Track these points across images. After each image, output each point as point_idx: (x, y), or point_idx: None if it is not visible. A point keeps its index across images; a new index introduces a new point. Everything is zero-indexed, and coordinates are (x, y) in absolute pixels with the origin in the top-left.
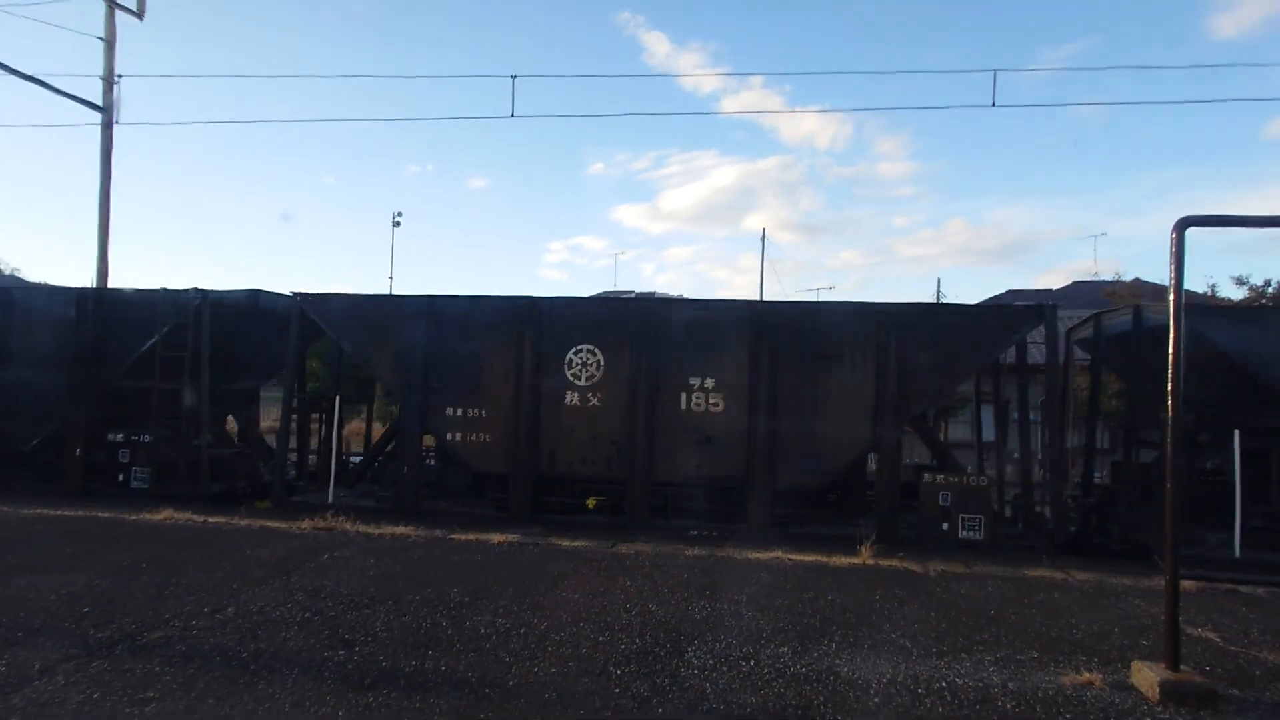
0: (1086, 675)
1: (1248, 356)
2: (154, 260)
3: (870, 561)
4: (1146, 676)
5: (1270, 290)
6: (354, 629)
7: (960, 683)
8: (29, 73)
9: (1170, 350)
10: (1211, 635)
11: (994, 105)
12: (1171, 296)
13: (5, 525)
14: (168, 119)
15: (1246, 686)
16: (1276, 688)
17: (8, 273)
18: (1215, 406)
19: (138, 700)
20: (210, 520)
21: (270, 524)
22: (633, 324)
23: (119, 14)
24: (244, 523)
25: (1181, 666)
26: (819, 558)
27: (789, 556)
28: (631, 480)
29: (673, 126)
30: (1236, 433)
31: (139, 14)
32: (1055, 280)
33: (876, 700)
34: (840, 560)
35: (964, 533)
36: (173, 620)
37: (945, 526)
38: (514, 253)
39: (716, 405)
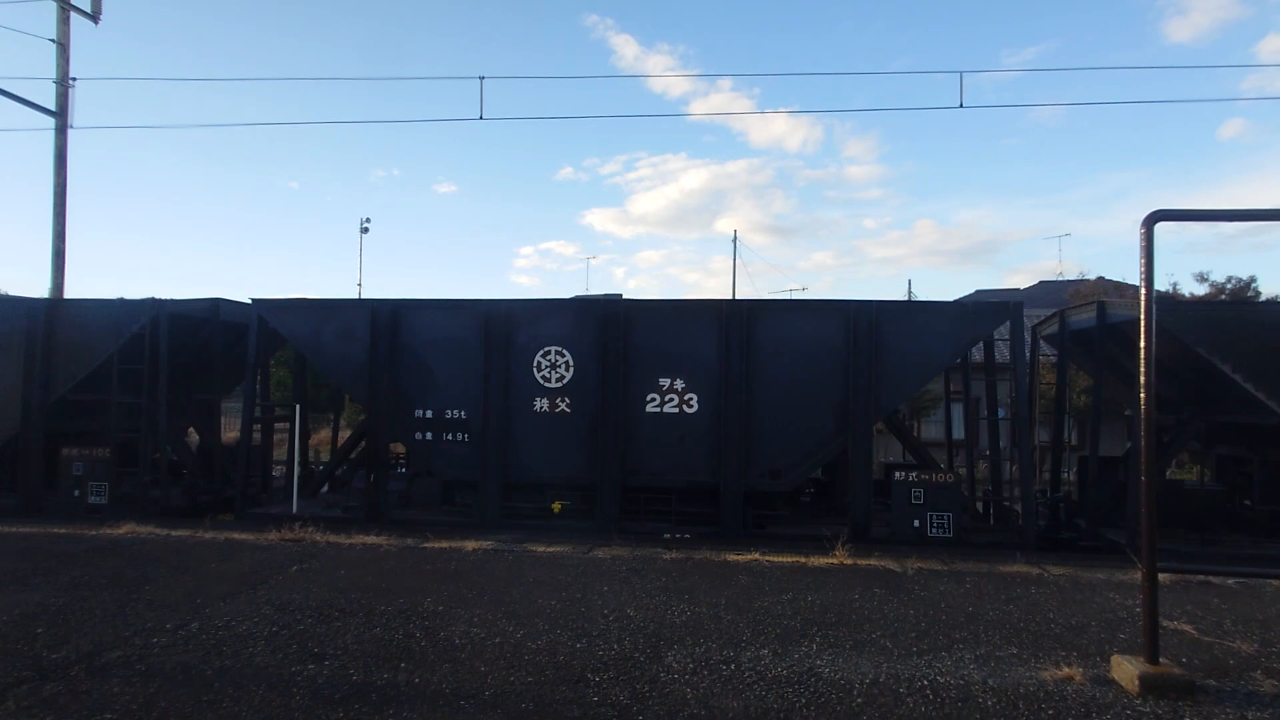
0: (1066, 670)
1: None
2: (114, 268)
3: (848, 561)
4: (1126, 670)
5: (1230, 286)
6: (324, 642)
7: (942, 681)
8: None
9: (1142, 344)
10: (1187, 627)
11: (961, 106)
12: (1143, 291)
13: None
14: (126, 123)
15: (1222, 676)
16: (1251, 677)
17: None
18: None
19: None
20: (174, 534)
21: (237, 536)
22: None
23: (73, 16)
24: (209, 535)
25: (1160, 659)
26: (797, 559)
27: (767, 558)
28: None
29: (642, 130)
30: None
31: (94, 17)
32: (1022, 280)
33: (859, 701)
34: (818, 561)
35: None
36: (133, 638)
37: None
38: (484, 258)
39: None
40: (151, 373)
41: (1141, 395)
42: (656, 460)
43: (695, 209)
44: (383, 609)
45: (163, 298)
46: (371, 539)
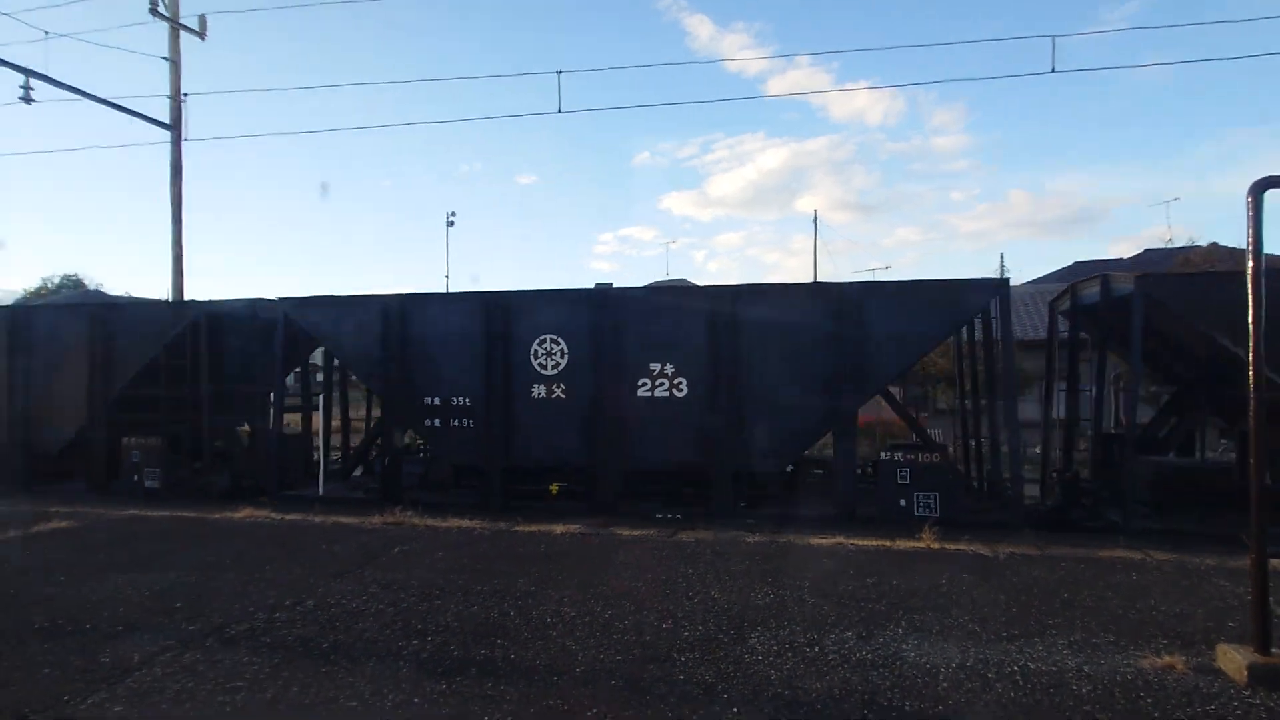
0: (1168, 658)
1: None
2: (227, 268)
3: (935, 545)
4: (1234, 660)
5: None
6: (426, 619)
7: (1033, 667)
8: (101, 96)
9: (1250, 317)
10: None
11: (1054, 71)
12: (1250, 263)
13: (97, 527)
14: (229, 133)
15: None
16: None
17: (91, 288)
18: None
19: (229, 689)
20: (287, 518)
21: (343, 520)
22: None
23: (183, 35)
24: (318, 520)
25: (1272, 649)
26: (882, 543)
27: (851, 542)
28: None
29: (719, 111)
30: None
31: (201, 34)
32: (1126, 249)
33: (945, 685)
34: (904, 545)
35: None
36: (258, 613)
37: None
38: (565, 246)
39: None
40: (193, 368)
41: (1250, 373)
42: (649, 443)
43: (774, 189)
44: (479, 589)
45: (202, 300)
46: (466, 522)
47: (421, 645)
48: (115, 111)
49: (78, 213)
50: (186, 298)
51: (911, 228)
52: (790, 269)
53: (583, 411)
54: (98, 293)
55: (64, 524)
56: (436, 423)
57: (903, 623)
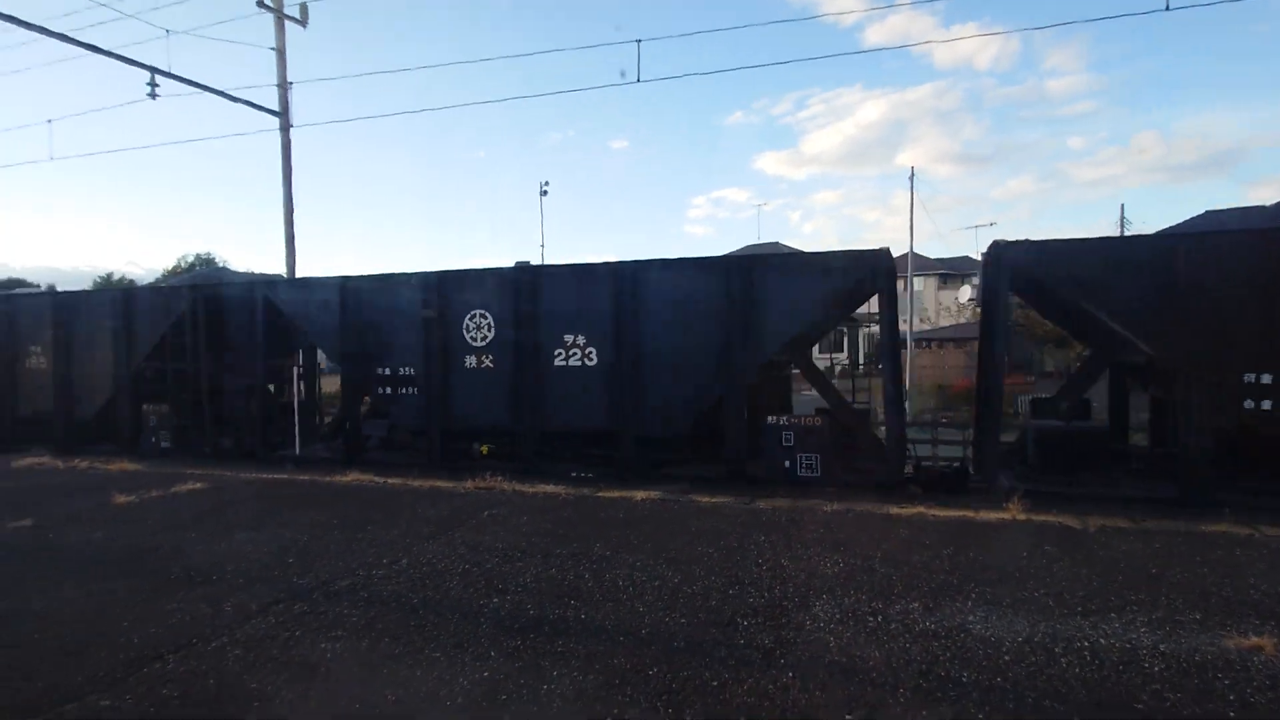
0: (1256, 639)
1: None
2: (334, 244)
3: (1021, 517)
4: None
5: None
6: (507, 579)
7: (1104, 643)
8: (211, 86)
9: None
10: None
11: (1168, 9)
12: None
13: (225, 489)
14: (327, 118)
15: None
16: None
17: (220, 265)
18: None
19: (331, 637)
20: (389, 482)
21: (440, 485)
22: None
23: (287, 25)
24: (417, 484)
25: None
26: (965, 513)
27: (931, 512)
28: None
29: (813, 65)
30: None
31: (303, 22)
32: (1269, 194)
33: (1008, 658)
34: (988, 515)
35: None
36: (358, 570)
37: (787, 464)
38: (658, 212)
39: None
40: (193, 344)
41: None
42: (565, 408)
43: (873, 143)
44: (558, 552)
45: (199, 284)
46: (550, 488)
47: (501, 603)
48: (229, 102)
49: (210, 196)
50: (299, 274)
51: (1024, 178)
52: (891, 228)
53: (508, 380)
54: (225, 269)
55: (197, 485)
56: (388, 390)
57: (973, 595)
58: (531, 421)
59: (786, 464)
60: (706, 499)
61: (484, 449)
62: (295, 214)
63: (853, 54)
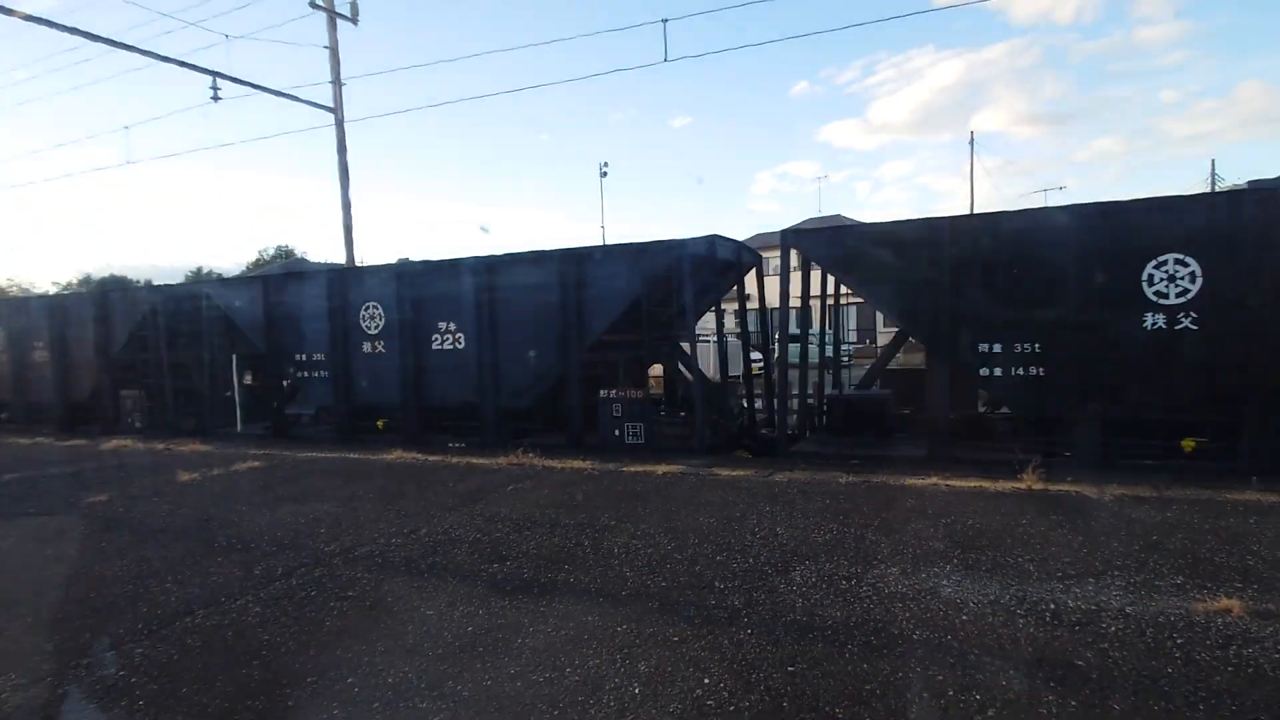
0: (1227, 601)
1: None
2: (398, 232)
3: (1038, 486)
4: None
5: None
6: (511, 548)
7: (1071, 605)
8: (269, 87)
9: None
10: None
11: None
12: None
13: (280, 466)
14: (384, 109)
15: None
16: None
17: (299, 256)
18: None
19: (341, 596)
20: (430, 459)
21: (476, 461)
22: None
23: (339, 23)
24: (454, 460)
25: None
26: (981, 484)
27: (946, 483)
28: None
29: (880, 28)
30: None
31: (353, 19)
32: None
33: (965, 618)
34: (1003, 486)
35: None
36: (379, 538)
37: (617, 433)
38: (723, 188)
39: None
40: (154, 339)
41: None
42: (442, 387)
43: (947, 107)
44: (566, 522)
45: (160, 285)
46: (579, 463)
47: (500, 569)
48: (290, 101)
49: (288, 190)
50: (359, 261)
51: (1112, 137)
52: (965, 196)
53: (397, 362)
54: (303, 261)
55: (256, 464)
56: (304, 374)
57: (955, 560)
58: (415, 398)
59: (616, 433)
60: (727, 472)
61: (380, 423)
62: (352, 207)
63: (922, 13)
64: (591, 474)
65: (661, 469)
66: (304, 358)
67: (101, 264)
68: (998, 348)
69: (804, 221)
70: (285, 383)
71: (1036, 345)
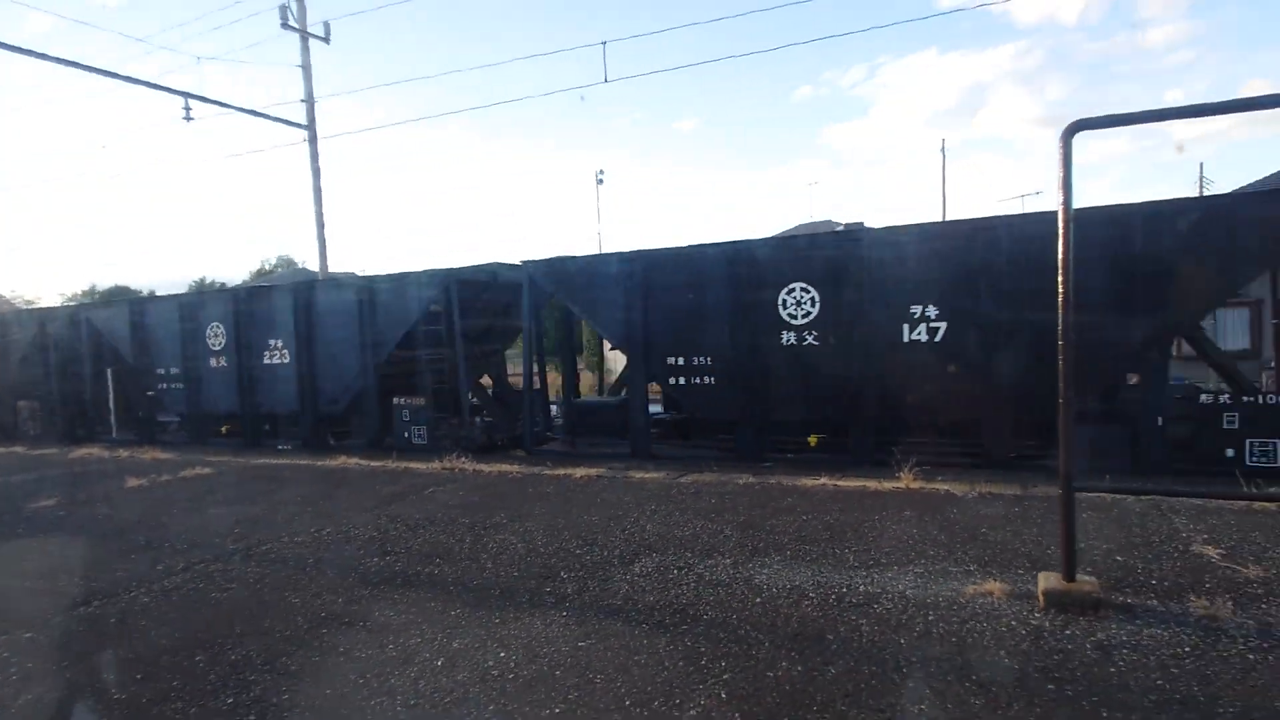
0: (992, 584)
1: None
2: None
3: (914, 485)
4: (1042, 586)
5: None
6: (399, 545)
7: (861, 589)
8: (241, 106)
9: (1060, 258)
10: (1209, 550)
11: None
12: (1060, 197)
13: (226, 472)
14: (360, 126)
15: (1151, 595)
16: (1184, 597)
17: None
18: None
19: (224, 588)
20: (371, 464)
21: (412, 465)
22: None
23: (311, 42)
24: (393, 465)
25: (1081, 575)
26: (865, 484)
27: (834, 483)
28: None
29: (883, 31)
30: None
31: (326, 39)
32: None
33: (758, 600)
34: (885, 485)
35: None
36: (284, 537)
37: (406, 435)
38: (727, 190)
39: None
40: (43, 359)
41: (1060, 311)
42: (272, 396)
43: (949, 110)
44: (463, 521)
45: (88, 304)
46: (506, 466)
47: (379, 563)
48: (252, 119)
49: (284, 204)
50: (331, 270)
51: (1119, 139)
52: (966, 198)
53: (235, 374)
54: (304, 270)
55: (204, 470)
56: (164, 386)
57: (788, 552)
58: (250, 406)
59: (405, 435)
60: (640, 475)
61: (224, 429)
62: (325, 225)
63: (926, 18)
64: (516, 477)
65: (579, 472)
66: (165, 371)
67: (107, 277)
68: (681, 361)
69: (796, 227)
70: (149, 394)
71: (709, 359)
